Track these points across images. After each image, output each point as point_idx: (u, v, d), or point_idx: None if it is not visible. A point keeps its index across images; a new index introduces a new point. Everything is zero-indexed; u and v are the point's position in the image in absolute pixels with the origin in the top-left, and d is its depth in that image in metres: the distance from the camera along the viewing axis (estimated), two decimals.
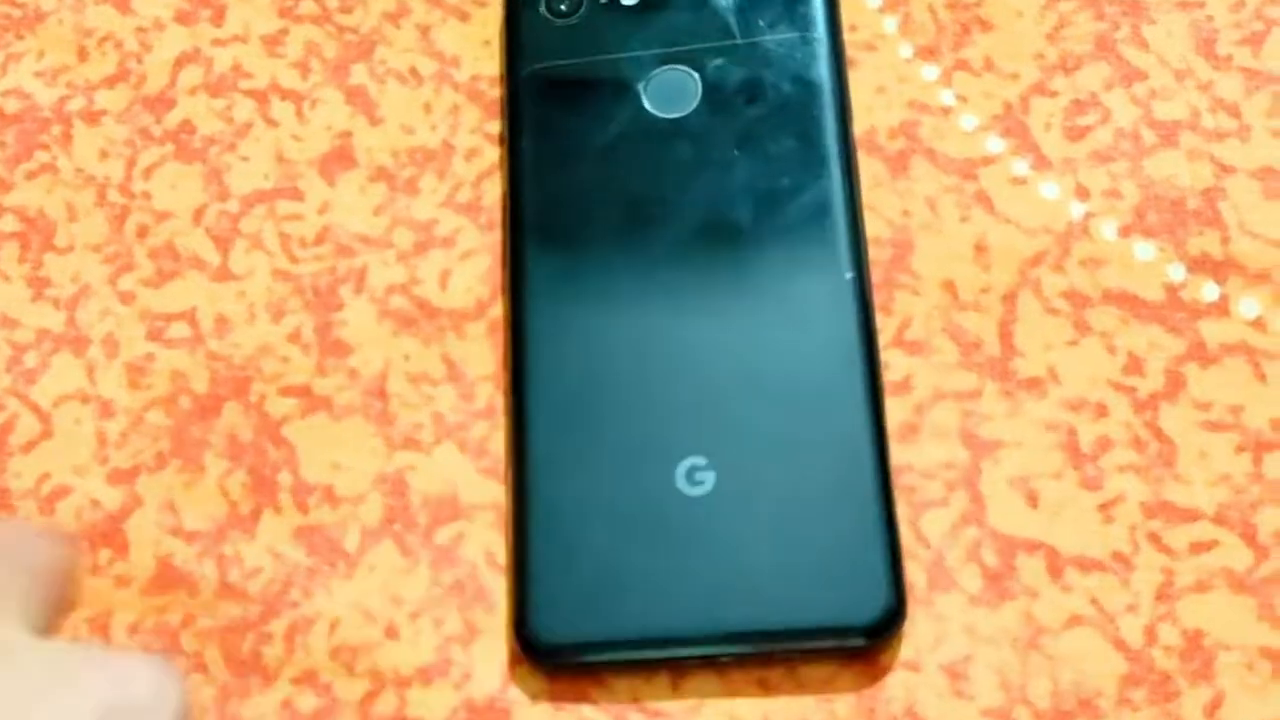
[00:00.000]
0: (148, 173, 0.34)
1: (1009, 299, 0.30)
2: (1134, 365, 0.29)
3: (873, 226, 0.31)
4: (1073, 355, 0.29)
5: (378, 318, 0.32)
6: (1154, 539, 0.28)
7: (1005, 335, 0.29)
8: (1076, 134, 0.31)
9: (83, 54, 0.36)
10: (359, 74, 0.34)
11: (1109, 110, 0.31)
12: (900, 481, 0.29)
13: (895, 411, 0.29)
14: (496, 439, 0.30)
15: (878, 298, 0.30)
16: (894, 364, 0.30)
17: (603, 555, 0.28)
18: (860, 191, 0.31)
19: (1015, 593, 0.28)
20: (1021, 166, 0.31)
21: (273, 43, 0.35)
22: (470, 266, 0.32)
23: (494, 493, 0.30)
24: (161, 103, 0.35)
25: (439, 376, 0.31)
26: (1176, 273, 0.29)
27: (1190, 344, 0.29)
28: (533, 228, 0.31)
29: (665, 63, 0.32)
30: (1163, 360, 0.29)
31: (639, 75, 0.32)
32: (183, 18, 0.36)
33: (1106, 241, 0.30)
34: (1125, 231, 0.30)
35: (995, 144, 0.31)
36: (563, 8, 0.33)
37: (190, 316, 0.33)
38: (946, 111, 0.32)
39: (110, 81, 0.35)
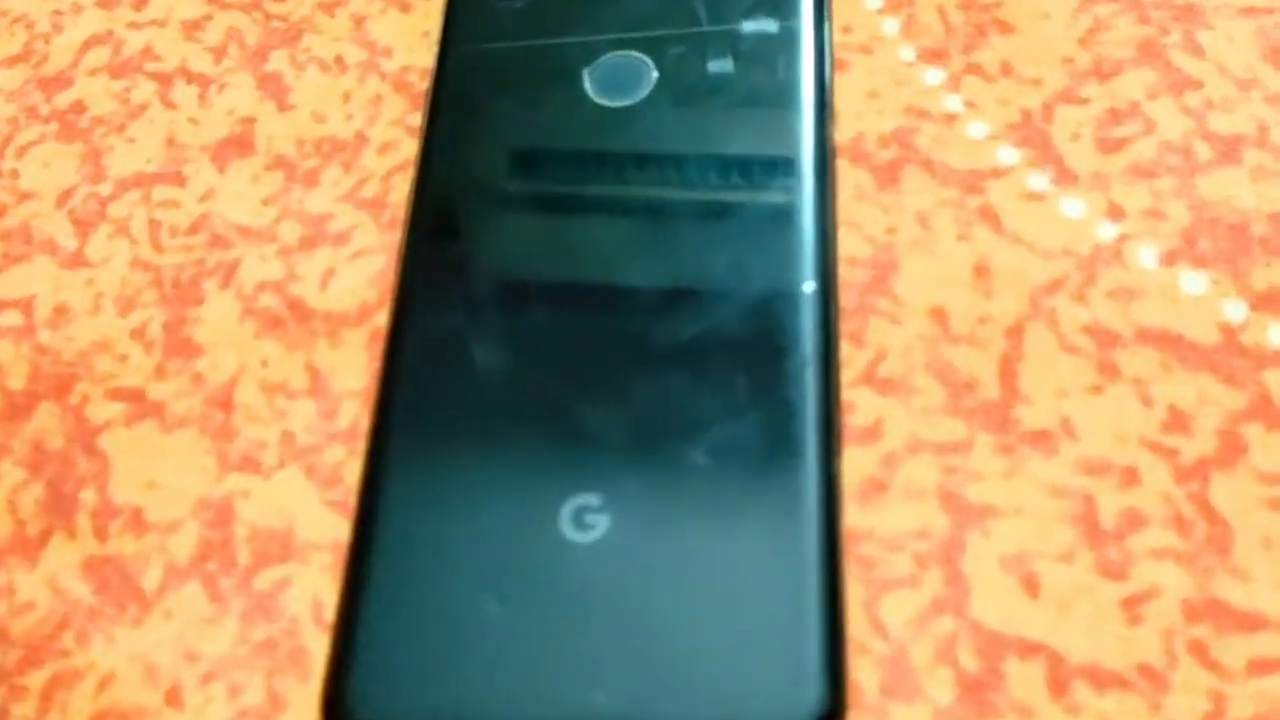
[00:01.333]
0: (21, 151, 0.30)
1: (1014, 332, 0.23)
2: (1177, 422, 0.22)
3: (849, 244, 0.25)
4: (1095, 405, 0.22)
5: (240, 317, 0.26)
6: (1198, 651, 0.20)
7: (1007, 376, 0.23)
8: (1111, 146, 0.25)
9: None
10: (278, 60, 0.30)
11: (1153, 121, 0.25)
12: (855, 551, 0.22)
13: (857, 463, 0.22)
14: (353, 467, 0.24)
15: (848, 325, 0.24)
16: (861, 404, 0.23)
17: (455, 613, 0.22)
18: (834, 201, 0.25)
19: (1001, 709, 0.20)
20: (1039, 180, 0.25)
21: (192, 28, 0.31)
22: (360, 266, 0.26)
23: (337, 530, 0.23)
24: (57, 82, 0.31)
25: (298, 388, 0.25)
26: (1235, 311, 0.23)
27: (1253, 398, 0.22)
28: (430, 223, 0.26)
29: (618, 48, 0.27)
30: (1216, 417, 0.22)
31: (584, 60, 0.27)
32: (104, 2, 0.32)
33: (1144, 270, 0.23)
34: (1169, 259, 0.23)
35: (1008, 155, 0.25)
36: None
37: (26, 304, 0.27)
38: (951, 119, 0.26)
39: (11, 61, 0.31)
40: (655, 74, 0.27)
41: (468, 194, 0.26)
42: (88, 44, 0.31)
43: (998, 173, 0.25)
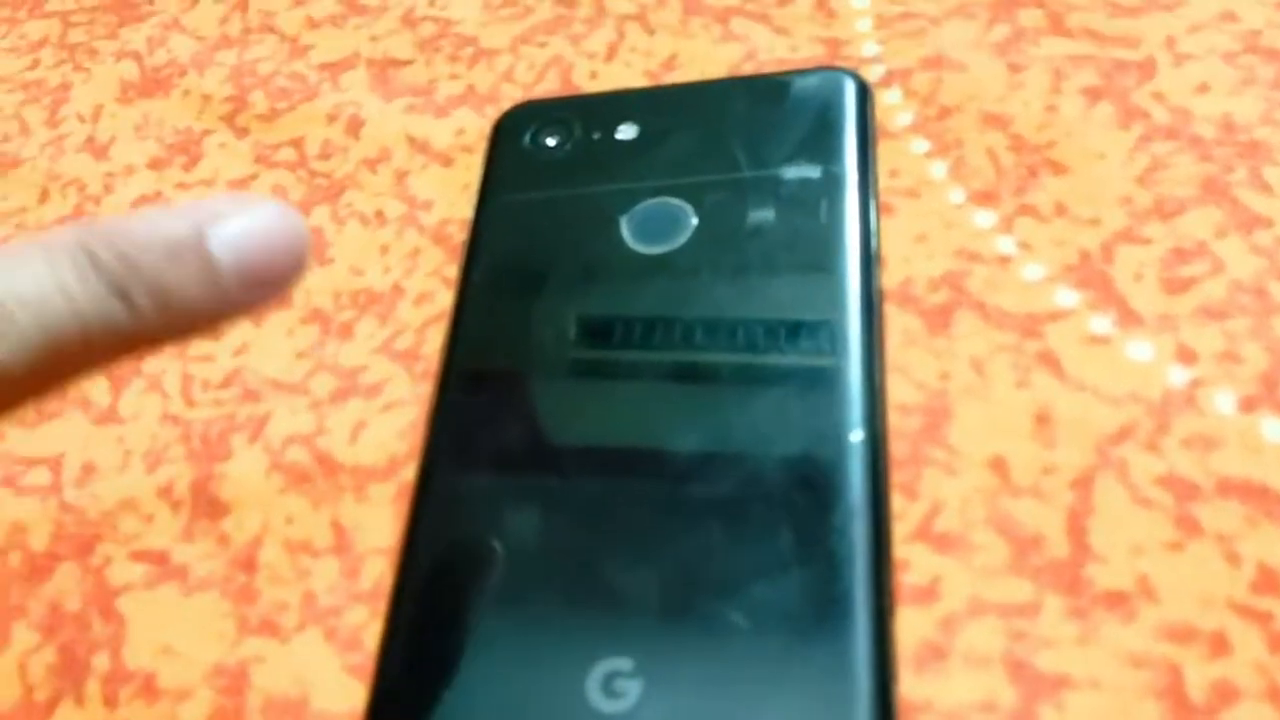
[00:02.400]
0: None
1: (1082, 484, 0.21)
2: (1268, 581, 0.20)
3: (899, 391, 0.23)
4: (1175, 564, 0.20)
5: (267, 472, 0.25)
6: None
7: (1076, 531, 0.21)
8: (1178, 286, 0.23)
9: (44, 196, 0.33)
10: (319, 215, 0.30)
11: (1222, 260, 0.23)
12: None
13: (913, 627, 0.21)
14: (374, 629, 0.23)
15: (900, 476, 0.22)
16: (916, 562, 0.21)
17: None
18: (882, 347, 0.24)
19: None
20: (1102, 323, 0.23)
21: (238, 185, 0.31)
22: (391, 419, 0.26)
23: (354, 699, 0.22)
24: None
25: (322, 546, 0.24)
26: None
27: None
28: (462, 373, 0.25)
29: (656, 195, 0.27)
30: None
31: (622, 206, 0.26)
32: (155, 164, 0.32)
33: (1222, 416, 0.22)
34: (1249, 405, 0.22)
35: (1067, 297, 0.24)
36: (549, 142, 0.28)
37: (55, 462, 0.27)
38: (1004, 261, 0.25)
39: (60, 221, 0.32)
40: (694, 220, 0.26)
41: (501, 346, 0.25)
42: (135, 204, 0.32)
43: (1056, 316, 0.23)
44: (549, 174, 0.28)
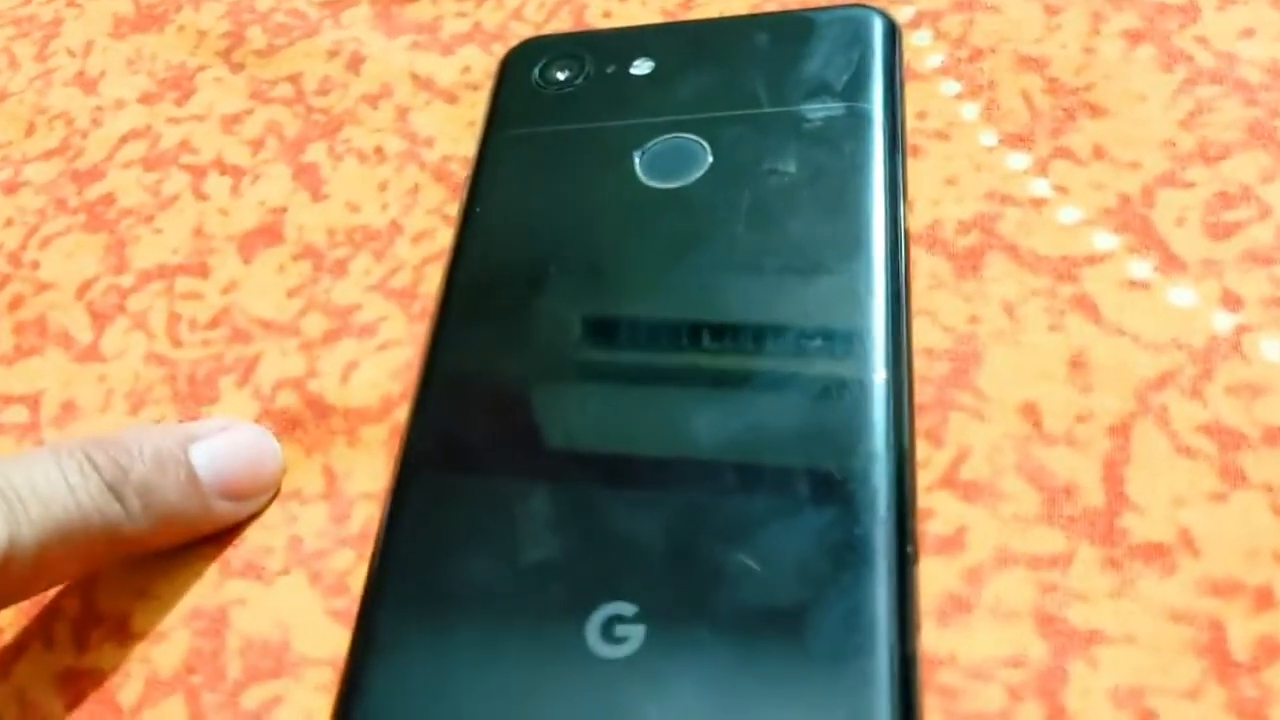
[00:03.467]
0: (45, 242, 0.28)
1: (1119, 431, 0.20)
2: None
3: (925, 335, 0.22)
4: (1219, 515, 0.19)
5: (256, 418, 0.24)
6: None
7: (1112, 480, 0.20)
8: (1222, 231, 0.22)
9: (30, 129, 0.31)
10: (315, 152, 0.28)
11: (1268, 205, 0.22)
12: (934, 680, 0.18)
13: (936, 577, 0.19)
14: (361, 573, 0.21)
15: (925, 420, 0.21)
16: (941, 510, 0.20)
17: None
18: (909, 289, 0.22)
19: None
20: (1142, 268, 0.22)
21: (232, 121, 0.30)
22: (385, 359, 0.24)
23: (337, 644, 0.20)
24: (90, 175, 0.29)
25: (312, 493, 0.23)
26: None
27: None
28: (461, 309, 0.24)
29: (671, 131, 0.25)
30: None
31: (635, 142, 0.25)
32: (146, 98, 0.31)
33: (1269, 363, 0.20)
34: None
35: (1105, 240, 0.22)
36: (559, 76, 0.27)
37: (34, 400, 0.25)
38: (1039, 204, 0.23)
39: (46, 155, 0.30)
40: (710, 157, 0.24)
41: (501, 285, 0.24)
42: (125, 138, 0.30)
43: (1093, 259, 0.22)
44: (559, 109, 0.27)
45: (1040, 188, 0.23)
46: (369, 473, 0.23)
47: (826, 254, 0.23)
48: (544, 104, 0.26)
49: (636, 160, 0.25)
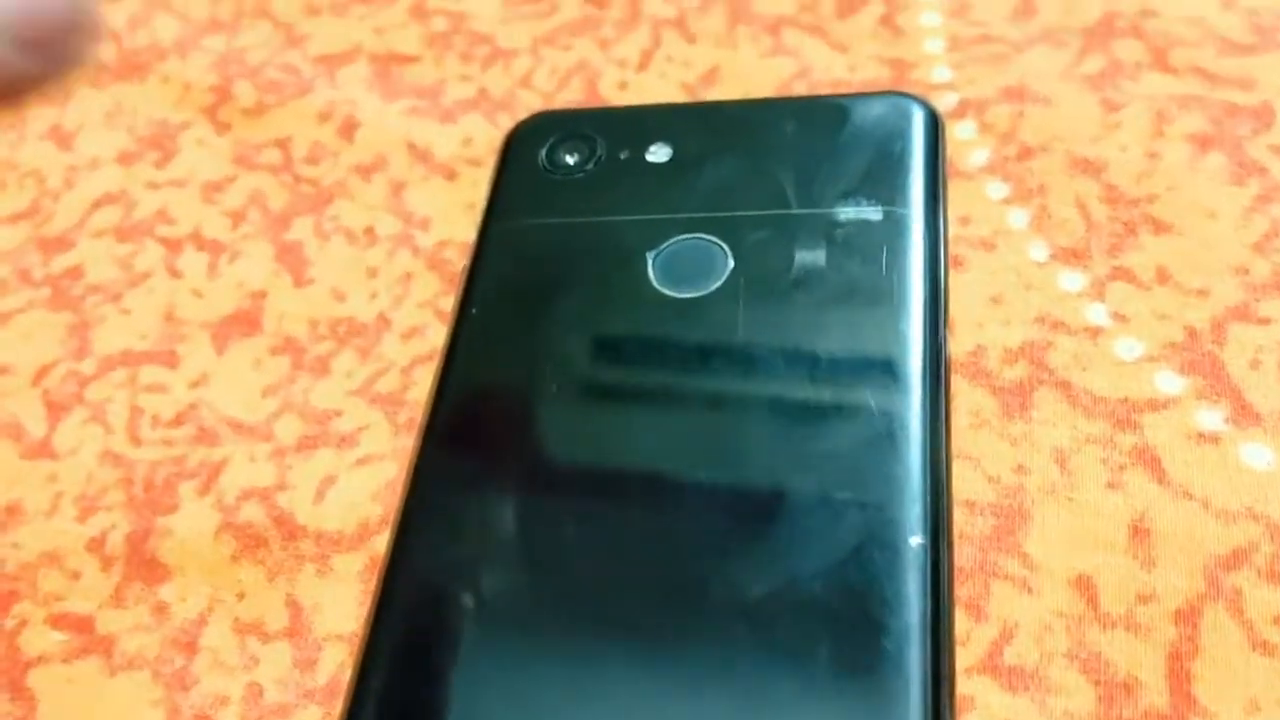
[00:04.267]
0: (4, 319, 0.26)
1: (1187, 618, 0.18)
2: None
3: (967, 484, 0.20)
4: None
5: (217, 532, 0.22)
6: None
7: (1178, 677, 0.17)
8: None
9: (0, 186, 0.29)
10: (301, 228, 0.26)
11: None
12: None
13: None
14: None
15: (965, 588, 0.19)
16: (982, 700, 0.18)
17: None
18: (949, 430, 0.20)
19: None
20: (1212, 418, 0.19)
21: (213, 189, 0.28)
22: (365, 476, 0.22)
23: None
24: (59, 243, 0.27)
25: (275, 629, 0.20)
26: None
27: None
28: (448, 429, 0.21)
29: (689, 230, 0.23)
30: None
31: (649, 240, 0.23)
32: (124, 158, 0.29)
33: None
34: None
35: (1170, 382, 0.20)
36: (568, 159, 0.25)
37: None
38: (1095, 333, 0.21)
39: (14, 219, 0.28)
40: (731, 262, 0.22)
41: (497, 399, 0.21)
42: (98, 203, 0.28)
43: (1157, 404, 0.20)
44: (566, 197, 0.24)
45: (1096, 314, 0.21)
46: (340, 610, 0.20)
47: (858, 385, 0.20)
48: (550, 191, 0.24)
49: (650, 262, 0.22)
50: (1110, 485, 0.19)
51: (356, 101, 0.28)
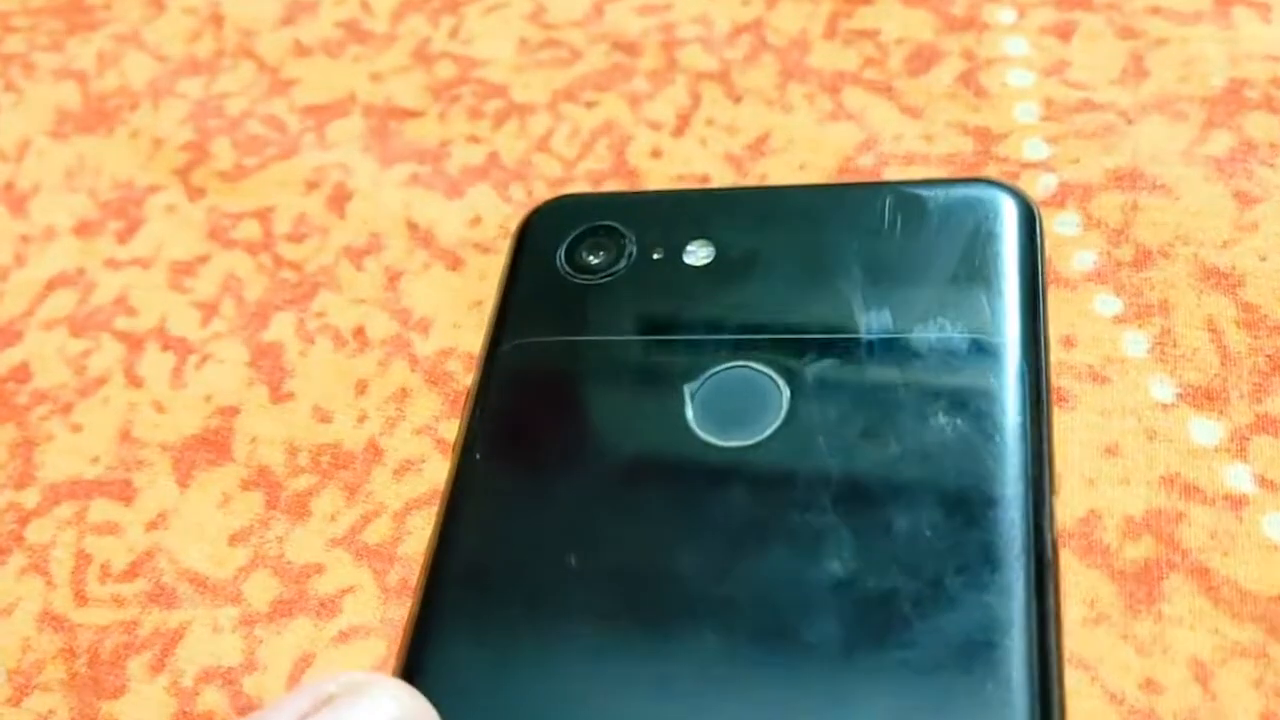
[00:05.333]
0: None
1: None
2: None
3: (1082, 699, 0.16)
4: None
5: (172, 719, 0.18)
6: None
7: None
8: None
9: None
10: (281, 325, 0.23)
11: None
12: None
13: None
14: None
15: None
16: None
17: None
18: (1061, 629, 0.16)
19: None
20: None
21: (183, 271, 0.24)
22: (347, 657, 0.18)
23: None
24: (5, 335, 0.24)
25: None
26: None
27: None
28: (449, 603, 0.18)
29: (735, 357, 0.19)
30: None
31: (688, 371, 0.19)
32: (84, 228, 0.25)
33: None
34: None
35: None
36: (591, 260, 0.21)
37: None
38: (1238, 504, 0.17)
39: None
40: (787, 398, 0.18)
41: (506, 561, 0.18)
42: (51, 284, 0.24)
43: None
44: (588, 307, 0.20)
45: (1239, 478, 0.17)
46: None
47: (942, 570, 0.16)
48: (569, 298, 0.20)
49: (688, 400, 0.19)
50: (1267, 718, 0.15)
51: (349, 166, 0.25)
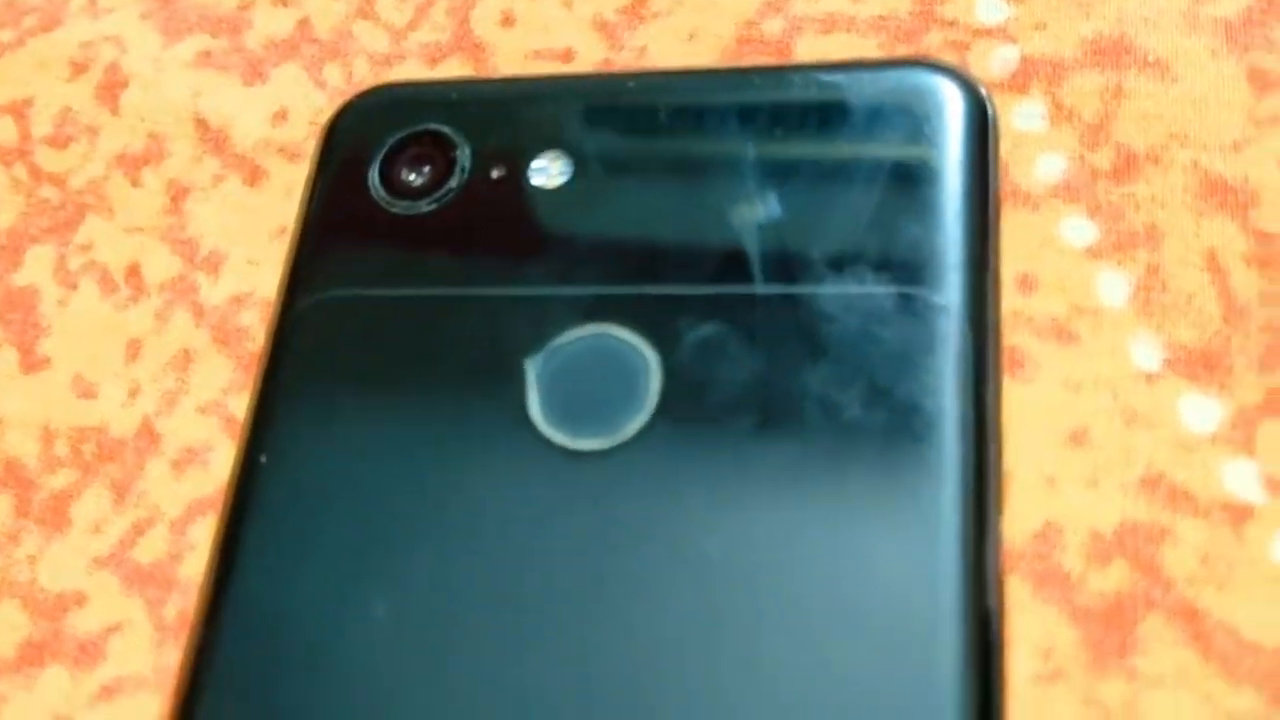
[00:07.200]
0: None
1: None
2: None
3: None
4: None
5: None
6: None
7: None
8: None
9: None
10: (37, 264, 0.18)
11: None
12: None
13: None
14: None
15: None
16: None
17: None
18: (1002, 682, 0.12)
19: None
20: None
21: None
22: (115, 715, 0.15)
23: None
24: None
25: None
26: None
27: None
28: (233, 635, 0.14)
29: (592, 318, 0.15)
30: None
31: (530, 337, 0.15)
32: None
33: None
34: None
35: None
36: (412, 179, 0.16)
37: None
38: (1240, 514, 0.13)
39: None
40: (659, 375, 0.14)
41: (292, 619, 0.14)
42: None
43: None
44: (407, 250, 0.16)
45: (1242, 480, 0.13)
46: None
47: (863, 592, 0.13)
48: (384, 234, 0.16)
49: (530, 380, 0.14)
50: None
51: (124, 41, 0.19)
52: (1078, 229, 0.15)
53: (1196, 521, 0.13)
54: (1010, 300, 0.15)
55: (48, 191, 0.18)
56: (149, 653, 0.15)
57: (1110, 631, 0.13)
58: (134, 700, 0.15)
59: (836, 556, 0.13)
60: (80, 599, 0.15)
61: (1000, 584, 0.13)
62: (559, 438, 0.14)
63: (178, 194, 0.18)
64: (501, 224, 0.15)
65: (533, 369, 0.14)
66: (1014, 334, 0.14)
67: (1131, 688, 0.12)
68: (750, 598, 0.13)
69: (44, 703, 0.15)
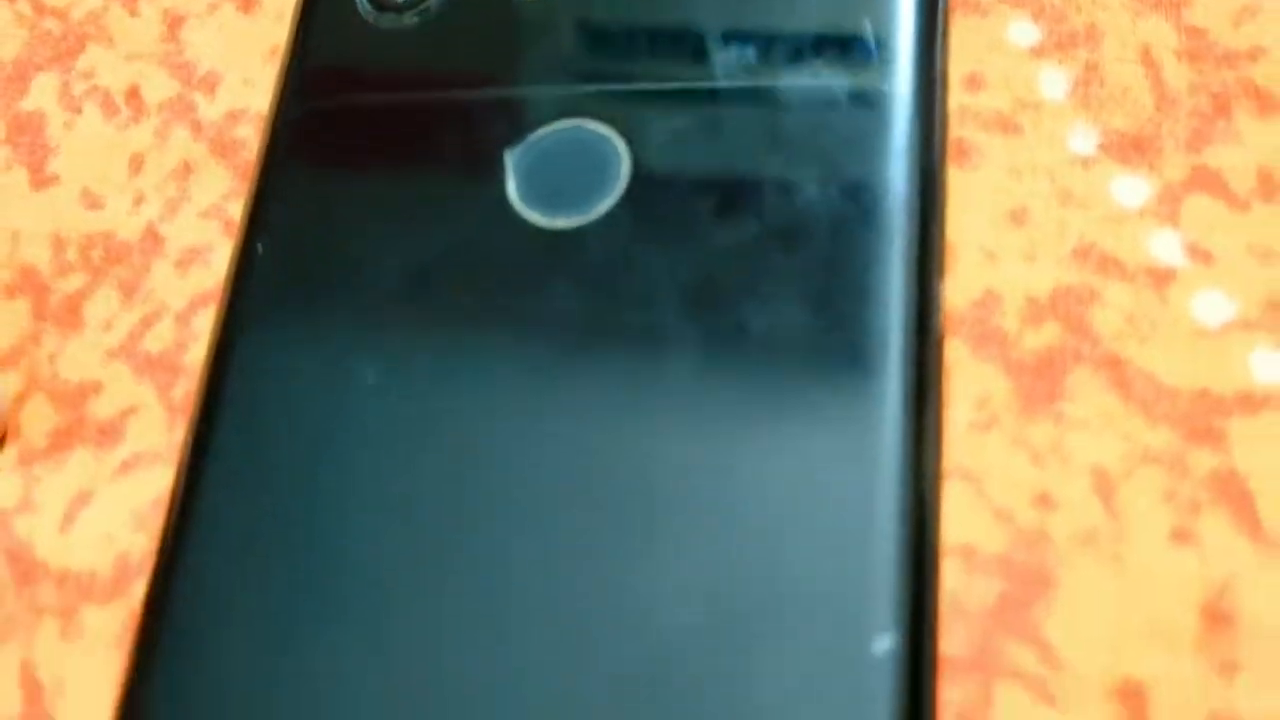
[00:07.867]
0: None
1: None
2: None
3: (963, 519, 0.14)
4: None
5: None
6: None
7: None
8: None
9: None
10: (42, 90, 0.19)
11: None
12: None
13: None
14: None
15: (955, 691, 0.13)
16: None
17: None
18: (937, 421, 0.14)
19: None
20: None
21: None
22: (128, 491, 0.16)
23: None
24: None
25: (8, 714, 0.15)
26: None
27: None
28: (230, 413, 0.15)
29: (566, 114, 0.16)
30: None
31: (508, 132, 0.16)
32: None
33: None
34: None
35: (1276, 367, 0.13)
36: None
37: None
38: (1163, 279, 0.14)
39: None
40: (628, 162, 0.15)
41: (288, 388, 0.15)
42: None
43: (1254, 404, 0.13)
44: (393, 61, 0.17)
45: (1167, 247, 0.14)
46: (89, 690, 0.15)
47: (800, 366, 0.14)
48: (371, 49, 0.17)
49: (508, 168, 0.15)
50: (1177, 536, 0.13)
51: None
52: (1023, 31, 0.16)
53: (1123, 285, 0.14)
54: (959, 97, 0.16)
55: (50, 24, 0.19)
56: (162, 432, 0.16)
57: (1040, 382, 0.14)
58: (150, 472, 0.16)
59: (787, 333, 0.14)
60: (97, 387, 0.16)
61: (940, 342, 0.14)
62: (535, 218, 0.15)
63: (174, 22, 0.19)
64: (481, 32, 0.16)
65: (511, 159, 0.15)
66: (961, 127, 0.16)
67: (1058, 429, 0.14)
68: (703, 376, 0.14)
69: (69, 481, 0.16)
